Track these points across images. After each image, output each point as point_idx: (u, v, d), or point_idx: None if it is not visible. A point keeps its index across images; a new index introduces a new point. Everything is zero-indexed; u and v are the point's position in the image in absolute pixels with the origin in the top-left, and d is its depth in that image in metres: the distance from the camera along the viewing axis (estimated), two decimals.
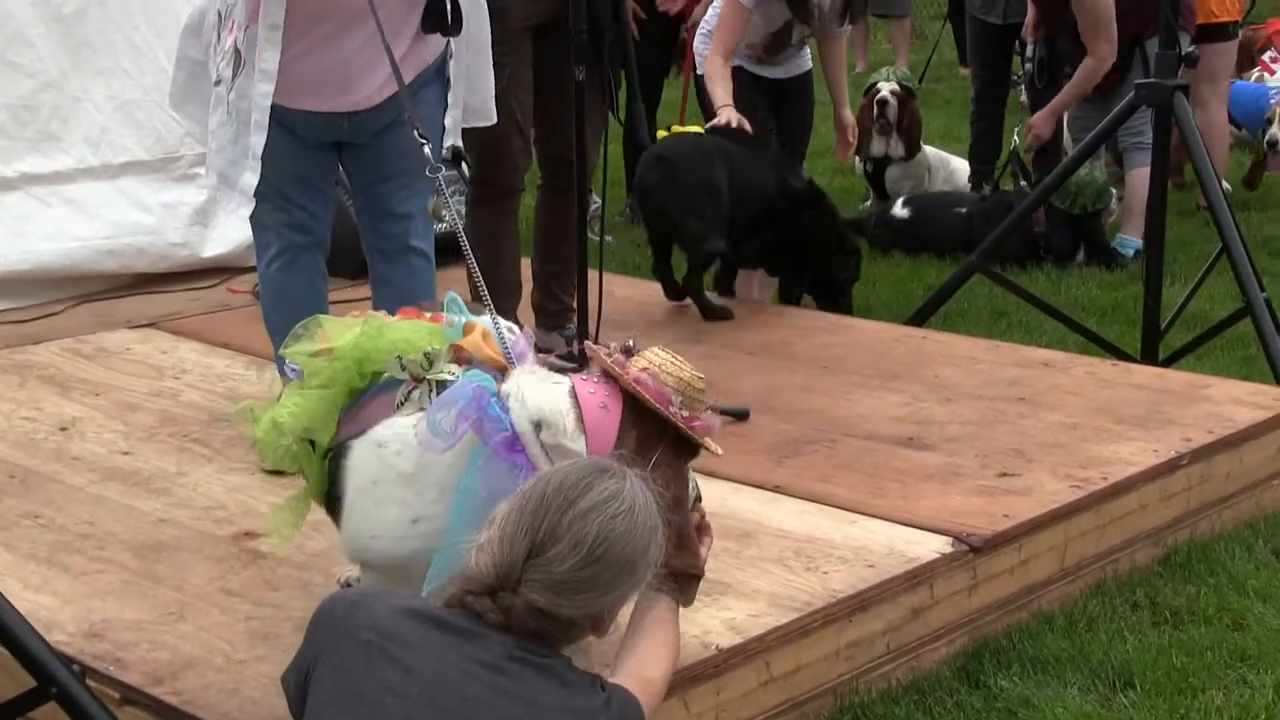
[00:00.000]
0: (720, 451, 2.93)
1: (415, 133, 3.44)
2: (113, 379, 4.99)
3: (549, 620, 2.39)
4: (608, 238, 7.39)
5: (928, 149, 8.13)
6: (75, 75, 5.96)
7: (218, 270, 6.08)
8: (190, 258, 6.06)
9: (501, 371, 2.89)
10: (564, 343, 4.91)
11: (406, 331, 2.98)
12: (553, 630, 2.41)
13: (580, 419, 2.78)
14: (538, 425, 2.77)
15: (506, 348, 2.95)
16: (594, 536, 2.37)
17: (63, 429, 4.53)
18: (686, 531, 2.87)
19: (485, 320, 3.01)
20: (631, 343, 2.91)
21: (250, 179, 3.95)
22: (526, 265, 5.25)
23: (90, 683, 3.06)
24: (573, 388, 2.84)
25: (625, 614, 2.72)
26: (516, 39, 4.69)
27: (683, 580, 2.84)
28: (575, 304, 4.91)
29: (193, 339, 5.38)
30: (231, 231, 5.97)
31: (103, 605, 3.42)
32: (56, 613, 3.38)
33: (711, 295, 5.71)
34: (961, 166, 8.13)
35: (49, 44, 5.90)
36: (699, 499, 3.02)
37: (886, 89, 7.96)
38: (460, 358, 2.90)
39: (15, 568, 3.61)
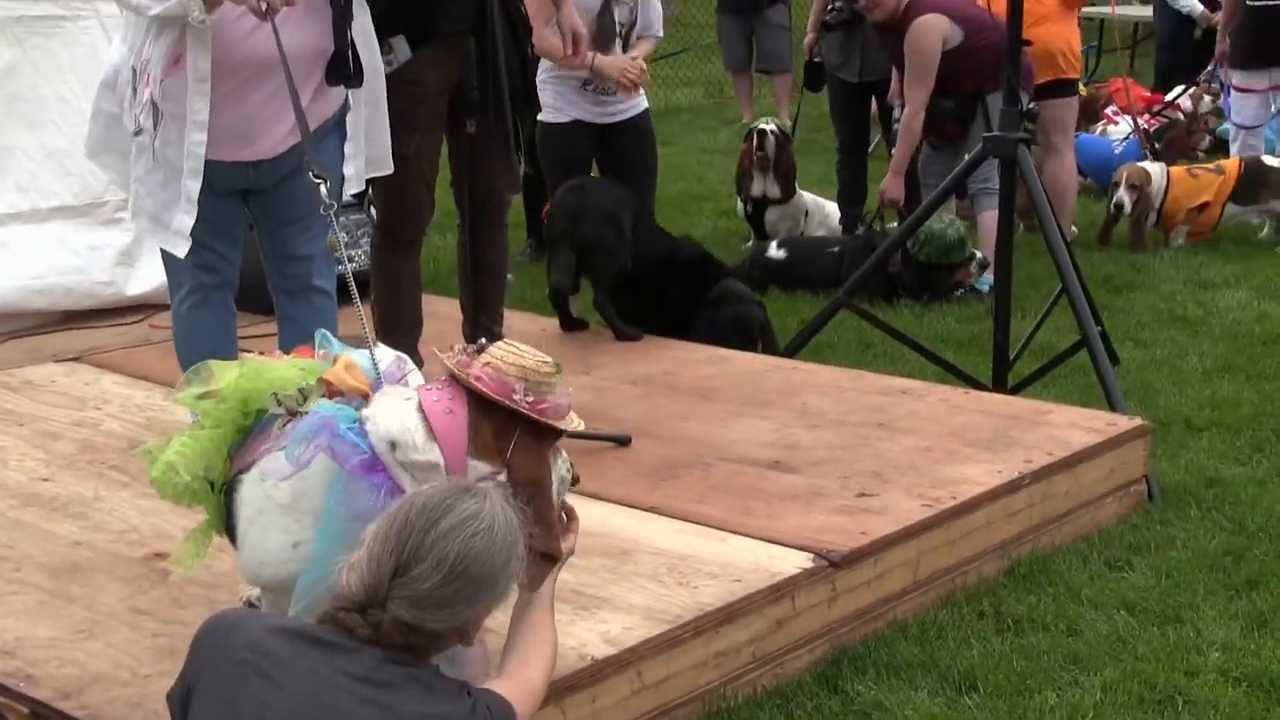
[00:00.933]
0: (579, 425, 2.88)
1: (311, 174, 3.41)
2: (37, 410, 4.91)
3: (415, 634, 2.38)
4: (509, 276, 7.38)
5: (805, 194, 8.17)
6: (7, 126, 5.87)
7: (141, 307, 6.00)
8: (115, 296, 5.98)
9: (365, 398, 2.86)
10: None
11: (283, 370, 2.98)
12: (419, 642, 2.40)
13: (429, 429, 2.75)
14: (391, 445, 2.75)
15: (378, 375, 2.93)
16: (454, 555, 2.35)
17: None
18: (545, 515, 2.83)
19: (354, 353, 2.98)
20: (483, 341, 2.89)
21: (186, 220, 3.91)
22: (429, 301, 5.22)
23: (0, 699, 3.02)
24: (419, 401, 2.80)
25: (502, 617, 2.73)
26: (433, 103, 4.65)
27: (540, 561, 2.79)
28: (503, 330, 4.91)
29: (115, 372, 5.30)
30: (154, 271, 5.80)
31: (16, 624, 3.35)
32: None
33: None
34: (835, 211, 8.19)
35: None
36: (575, 480, 3.02)
37: (767, 126, 8.00)
38: (331, 390, 2.87)
39: None
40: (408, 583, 2.35)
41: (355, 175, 4.17)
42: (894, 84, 7.36)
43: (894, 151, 7.09)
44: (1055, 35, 7.27)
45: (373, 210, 6.28)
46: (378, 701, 2.32)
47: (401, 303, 4.80)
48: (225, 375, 2.98)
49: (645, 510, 3.97)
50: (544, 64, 5.92)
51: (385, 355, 3.08)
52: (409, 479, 2.73)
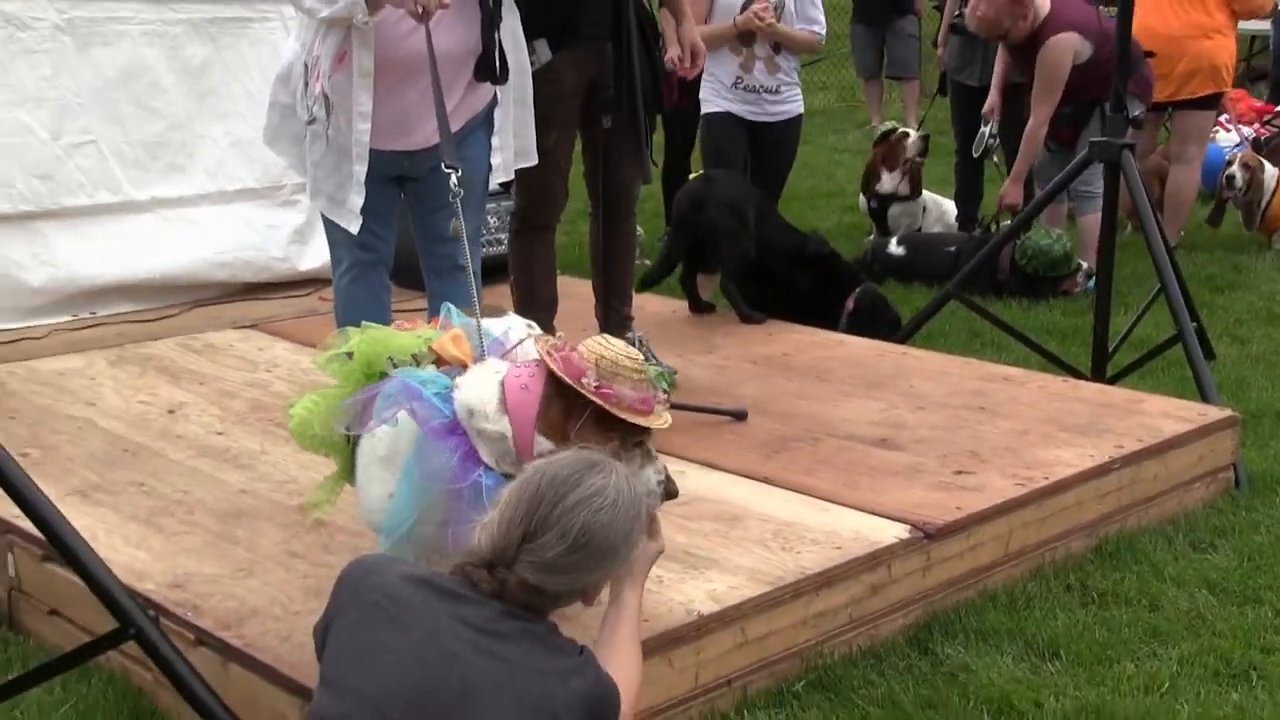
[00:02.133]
0: (661, 423, 2.77)
1: (443, 164, 3.44)
2: (215, 371, 5.02)
3: (537, 594, 2.40)
4: (646, 261, 7.39)
5: (926, 193, 8.06)
6: (198, 117, 6.00)
7: (310, 282, 6.10)
8: (288, 271, 6.09)
9: (464, 368, 2.88)
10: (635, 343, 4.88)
11: (403, 338, 3.00)
12: (540, 602, 2.42)
13: (503, 402, 2.74)
14: (470, 412, 2.77)
15: (483, 348, 2.94)
16: (579, 528, 2.37)
17: (170, 411, 4.57)
18: None
19: (469, 324, 3.00)
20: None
21: (357, 200, 3.96)
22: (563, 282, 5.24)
23: (169, 624, 3.10)
24: (504, 376, 2.80)
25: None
26: (569, 101, 4.66)
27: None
28: (632, 312, 4.91)
29: (285, 339, 5.41)
30: (324, 249, 5.86)
31: (186, 561, 3.44)
32: (149, 565, 3.41)
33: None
34: (952, 209, 8.06)
35: (179, 91, 5.95)
36: (671, 494, 2.88)
37: (914, 133, 7.88)
38: (439, 359, 2.90)
39: (119, 527, 3.64)
40: (534, 549, 2.36)
41: (503, 166, 4.20)
42: (991, 97, 7.19)
43: (1016, 159, 6.94)
44: (1222, 49, 7.07)
45: (513, 194, 6.37)
46: (493, 651, 2.34)
47: (535, 283, 4.81)
48: (355, 340, 3.02)
49: (757, 480, 3.96)
50: (710, 58, 5.92)
51: (517, 327, 3.11)
52: (485, 445, 2.74)
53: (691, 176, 7.39)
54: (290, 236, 6.11)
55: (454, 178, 3.40)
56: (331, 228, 4.12)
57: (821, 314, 5.79)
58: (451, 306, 3.11)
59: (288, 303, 5.90)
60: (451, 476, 2.73)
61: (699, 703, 3.16)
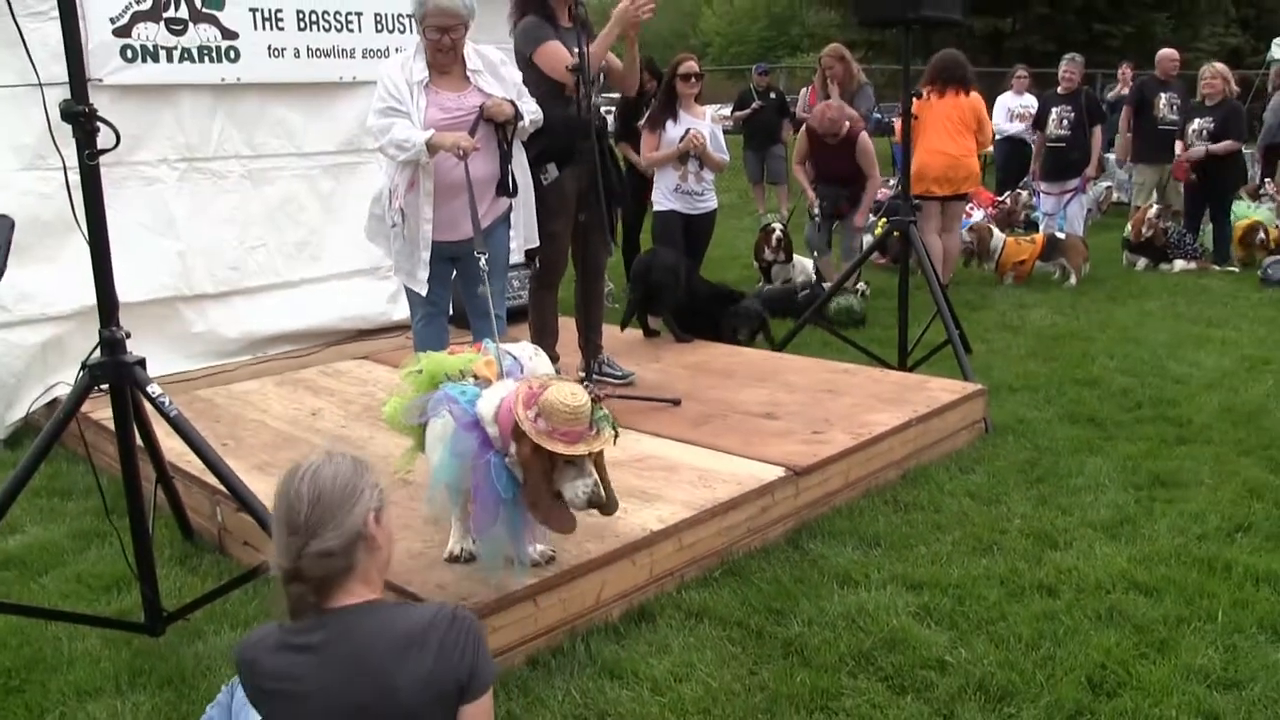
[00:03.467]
0: (578, 451, 2.50)
1: (475, 252, 3.42)
2: (341, 387, 4.96)
3: (328, 558, 1.85)
4: (615, 305, 7.35)
5: (797, 257, 8.02)
6: (329, 225, 5.89)
7: (400, 327, 5.98)
8: (385, 319, 5.97)
9: (489, 383, 2.84)
10: (597, 366, 4.84)
11: (455, 361, 2.96)
12: (338, 565, 1.86)
13: (497, 413, 2.67)
14: (483, 417, 2.72)
15: (503, 369, 2.91)
16: (309, 488, 1.88)
17: (313, 414, 4.51)
18: (529, 495, 2.56)
19: (497, 350, 2.96)
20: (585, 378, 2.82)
21: (423, 274, 3.94)
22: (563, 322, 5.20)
23: None
24: (506, 395, 2.69)
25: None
26: (569, 202, 4.62)
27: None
28: (601, 339, 4.87)
29: (384, 364, 5.35)
30: (406, 306, 5.87)
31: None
32: None
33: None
34: (811, 265, 8.01)
35: (315, 207, 5.85)
36: (597, 504, 2.58)
37: (776, 224, 7.84)
38: (477, 376, 2.87)
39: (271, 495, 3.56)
40: (301, 529, 1.86)
41: (518, 249, 4.17)
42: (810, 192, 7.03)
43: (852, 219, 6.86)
44: (975, 163, 7.05)
45: (536, 263, 6.33)
46: (362, 658, 1.81)
47: (545, 321, 4.76)
48: (423, 361, 2.99)
49: (687, 443, 3.92)
50: (658, 174, 5.90)
51: (525, 352, 3.08)
52: (494, 440, 2.66)
53: (643, 251, 7.40)
54: (387, 298, 6.01)
55: (483, 260, 3.37)
56: (410, 292, 4.09)
57: (730, 332, 5.77)
58: (489, 341, 3.07)
59: (387, 340, 5.81)
60: (472, 455, 2.68)
61: (653, 588, 3.13)
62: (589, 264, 4.85)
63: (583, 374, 4.56)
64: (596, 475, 2.59)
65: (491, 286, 4.11)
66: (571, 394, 2.55)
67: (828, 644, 2.85)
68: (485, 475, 2.62)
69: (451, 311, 4.24)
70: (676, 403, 4.41)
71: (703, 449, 3.87)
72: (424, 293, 3.98)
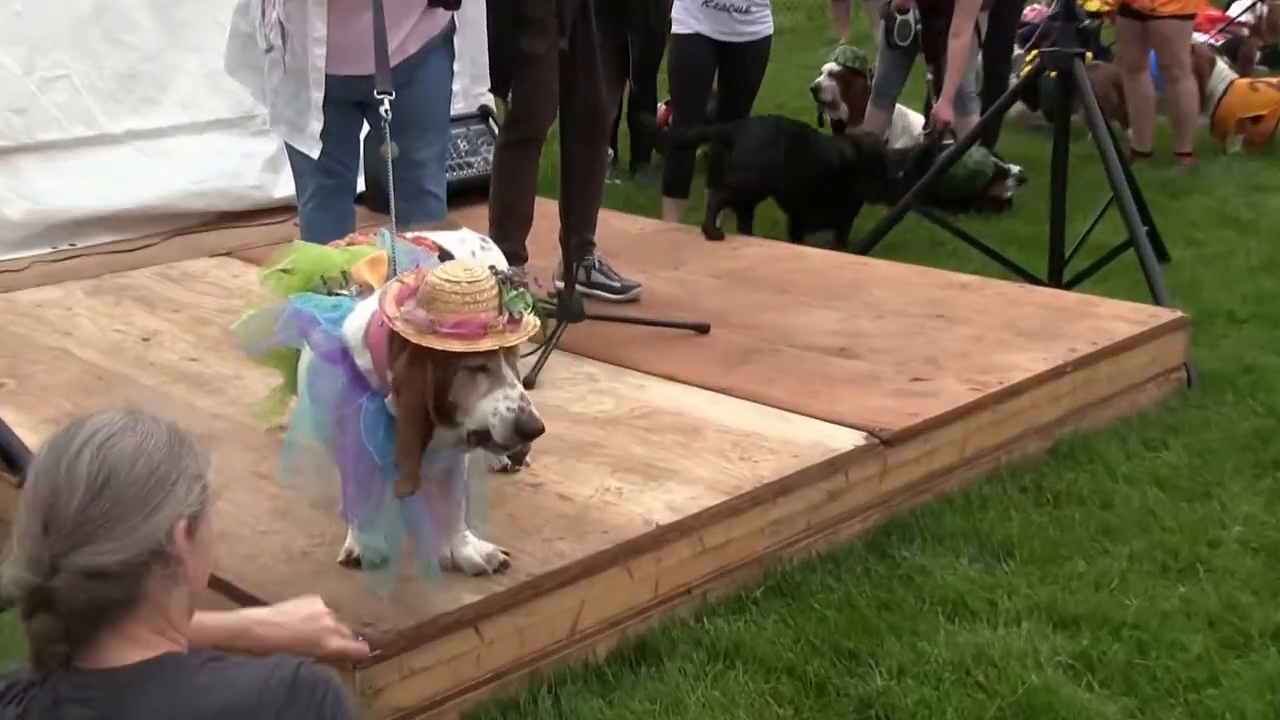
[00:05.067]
0: (484, 346, 2.45)
1: (375, 92, 3.34)
2: (191, 298, 4.93)
3: (101, 581, 1.68)
4: (616, 180, 7.28)
5: (901, 110, 7.85)
6: (171, 50, 5.85)
7: (285, 209, 5.92)
8: (263, 198, 5.95)
9: (372, 292, 2.75)
10: (584, 272, 4.78)
11: (337, 256, 2.90)
12: (113, 595, 1.69)
13: (368, 335, 2.59)
14: (349, 344, 2.64)
15: (396, 270, 2.81)
16: (91, 466, 1.69)
17: (145, 339, 4.48)
18: (401, 434, 2.53)
19: (391, 240, 2.89)
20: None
21: (315, 125, 3.87)
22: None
23: None
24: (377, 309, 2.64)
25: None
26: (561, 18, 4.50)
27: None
28: (594, 239, 4.82)
29: (259, 265, 5.26)
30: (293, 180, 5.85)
31: None
32: None
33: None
34: (919, 122, 7.88)
35: (150, 24, 5.80)
36: (519, 425, 2.51)
37: (825, 72, 7.68)
38: (357, 280, 2.81)
39: None
40: (64, 529, 1.67)
41: (462, 91, 4.07)
42: None
43: (947, 82, 6.78)
44: None
45: (492, 122, 6.25)
46: None
47: (516, 199, 4.70)
48: (295, 256, 2.94)
49: (717, 391, 3.89)
50: None
51: (465, 244, 3.04)
52: (369, 376, 2.59)
53: (661, 103, 7.29)
54: (264, 165, 5.96)
55: (386, 103, 3.29)
56: (295, 154, 4.02)
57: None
58: (385, 232, 2.98)
59: (263, 230, 5.76)
60: (336, 401, 2.61)
61: (659, 611, 3.10)
62: (581, 117, 4.74)
63: (559, 284, 4.50)
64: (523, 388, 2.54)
65: (418, 150, 4.06)
66: (464, 269, 2.50)
67: (928, 708, 2.81)
68: (355, 431, 2.55)
69: (363, 187, 4.17)
70: (703, 330, 4.38)
71: (740, 402, 3.83)
72: (315, 155, 3.92)
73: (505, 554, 2.92)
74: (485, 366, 2.48)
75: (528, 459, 3.32)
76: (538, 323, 2.56)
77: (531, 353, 3.98)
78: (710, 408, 3.78)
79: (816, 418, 3.67)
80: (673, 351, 4.21)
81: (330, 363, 2.62)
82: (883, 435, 3.55)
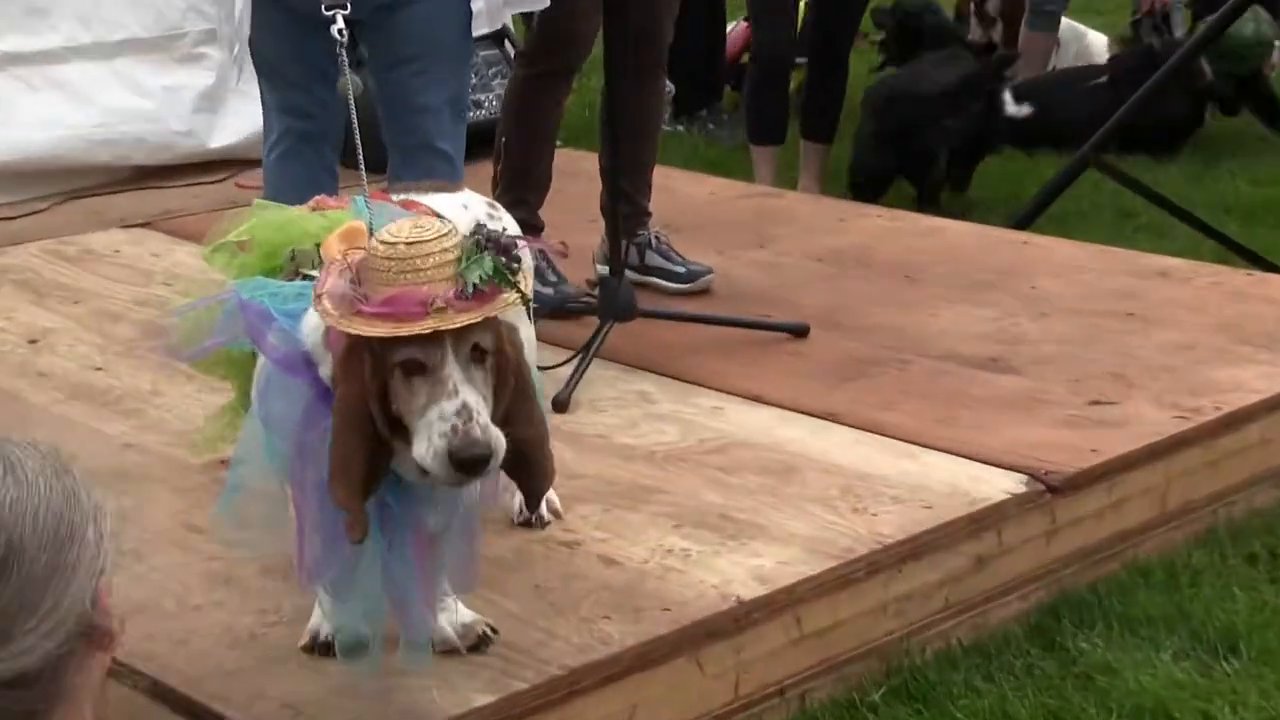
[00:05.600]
0: (418, 329, 2.44)
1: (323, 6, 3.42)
2: (96, 285, 5.01)
3: (23, 689, 1.67)
4: (678, 127, 7.34)
5: (1069, 25, 7.91)
6: None
7: (226, 163, 6.08)
8: (195, 148, 6.07)
9: None
10: (638, 252, 4.83)
11: (317, 223, 2.91)
12: (35, 703, 1.69)
13: (327, 334, 2.62)
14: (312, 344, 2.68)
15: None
16: None
17: (32, 341, 4.56)
18: (333, 451, 2.55)
19: (366, 206, 2.91)
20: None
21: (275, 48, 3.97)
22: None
23: None
24: None
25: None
26: None
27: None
28: (649, 205, 4.89)
29: (192, 241, 5.32)
30: (244, 119, 5.93)
31: None
32: None
33: None
34: (1099, 41, 7.91)
35: None
36: (454, 453, 2.47)
37: None
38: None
39: None
40: None
41: (487, 11, 4.11)
42: None
43: None
44: None
45: (508, 45, 6.31)
46: None
47: (534, 153, 4.76)
48: (253, 222, 2.97)
49: (819, 417, 3.93)
50: None
51: (471, 210, 3.09)
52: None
53: (733, 23, 7.36)
54: (195, 103, 6.08)
55: (339, 20, 3.37)
56: (263, 85, 4.08)
57: None
58: (358, 198, 3.02)
59: (195, 192, 5.87)
60: (296, 425, 2.63)
61: (741, 718, 3.14)
62: (632, 42, 4.77)
63: (602, 269, 4.54)
64: (480, 392, 2.49)
65: (420, 91, 4.07)
66: (415, 226, 2.51)
67: None
68: (321, 465, 2.57)
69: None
70: (801, 333, 4.44)
71: (851, 432, 3.87)
72: (273, 94, 4.01)
73: (490, 629, 2.96)
74: (421, 363, 2.45)
75: (550, 509, 3.38)
76: (515, 298, 2.51)
77: (564, 362, 4.02)
78: (810, 440, 3.81)
79: (957, 454, 3.70)
80: (758, 362, 4.25)
81: (289, 373, 2.64)
82: (1050, 480, 3.57)
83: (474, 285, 2.44)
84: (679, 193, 5.55)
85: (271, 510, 2.88)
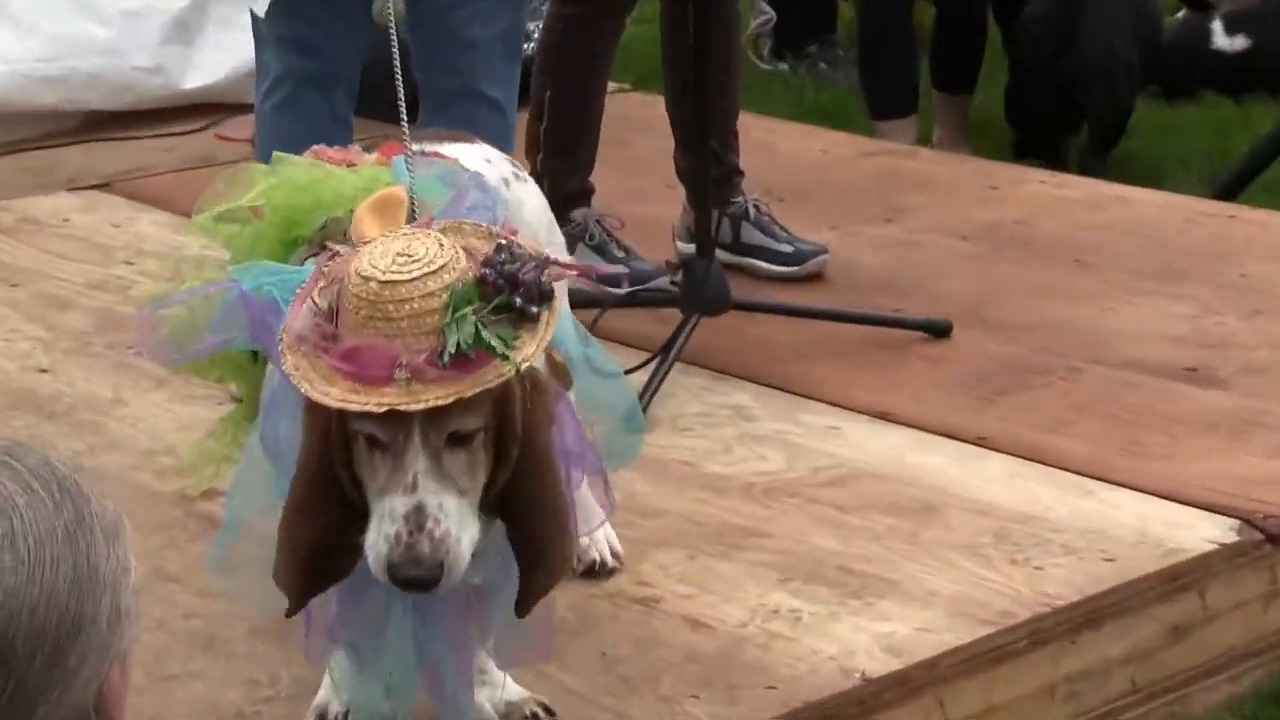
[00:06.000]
0: (352, 403, 2.50)
1: None
2: (38, 263, 5.04)
3: None
4: (780, 64, 7.33)
5: None
6: None
7: (204, 108, 6.12)
8: (164, 90, 6.11)
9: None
10: (730, 225, 4.84)
11: (348, 183, 2.96)
12: None
13: None
14: None
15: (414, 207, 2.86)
16: None
17: None
18: (289, 551, 2.64)
19: (406, 165, 2.94)
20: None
21: None
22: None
23: None
24: None
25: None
26: None
27: None
28: (738, 160, 4.91)
29: (160, 207, 5.42)
30: (224, 54, 5.99)
31: None
32: None
33: None
34: None
35: None
36: (393, 568, 2.57)
37: None
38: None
39: None
40: None
41: None
42: None
43: None
44: None
45: None
46: None
47: (582, 102, 4.81)
48: (271, 179, 3.00)
49: (965, 442, 3.93)
50: None
51: (497, 166, 3.16)
52: None
53: None
54: (165, 32, 6.11)
55: None
56: (256, 13, 4.11)
57: None
58: (402, 156, 3.04)
59: (165, 145, 5.92)
60: None
61: None
62: None
63: (685, 248, 4.55)
64: (453, 485, 2.53)
65: (469, 23, 4.08)
66: (401, 253, 2.52)
67: None
68: None
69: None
70: (941, 332, 4.46)
71: (1008, 461, 3.88)
72: (261, 10, 4.04)
73: (543, 709, 2.96)
74: (379, 440, 2.50)
75: (613, 555, 3.39)
76: (509, 371, 2.51)
77: (638, 368, 4.02)
78: (954, 470, 3.83)
79: (1146, 491, 3.71)
80: (886, 369, 4.27)
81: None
82: (1269, 526, 3.57)
83: (453, 352, 2.46)
84: (783, 151, 5.56)
85: (267, 556, 2.91)
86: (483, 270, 2.50)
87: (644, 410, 3.90)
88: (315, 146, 3.15)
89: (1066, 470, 3.80)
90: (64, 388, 4.28)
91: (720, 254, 4.55)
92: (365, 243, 2.67)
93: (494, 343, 2.47)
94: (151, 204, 5.45)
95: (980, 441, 3.93)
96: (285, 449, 2.70)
